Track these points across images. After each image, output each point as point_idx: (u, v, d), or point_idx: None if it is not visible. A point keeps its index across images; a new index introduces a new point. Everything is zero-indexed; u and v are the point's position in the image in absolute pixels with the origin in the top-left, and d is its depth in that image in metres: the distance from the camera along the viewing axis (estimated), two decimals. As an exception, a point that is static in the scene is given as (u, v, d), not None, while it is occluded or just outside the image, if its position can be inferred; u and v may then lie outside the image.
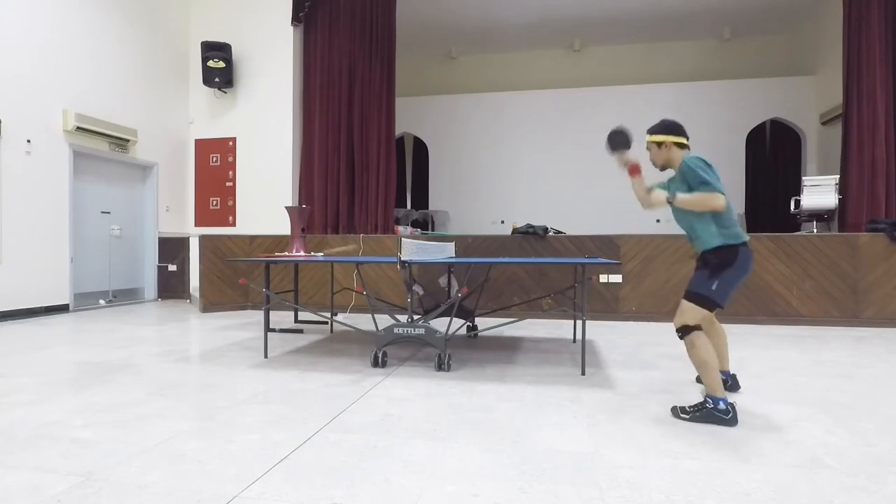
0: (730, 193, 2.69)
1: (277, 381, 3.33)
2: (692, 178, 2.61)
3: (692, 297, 2.63)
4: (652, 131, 2.86)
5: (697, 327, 2.60)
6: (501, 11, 9.57)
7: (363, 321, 5.43)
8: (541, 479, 1.95)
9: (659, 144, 2.81)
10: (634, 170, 2.97)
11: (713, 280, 2.59)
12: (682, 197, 2.63)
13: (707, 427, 2.50)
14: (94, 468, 2.04)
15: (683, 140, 2.79)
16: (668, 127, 2.81)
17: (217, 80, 7.95)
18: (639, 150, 2.89)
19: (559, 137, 10.50)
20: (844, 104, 6.76)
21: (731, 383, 3.07)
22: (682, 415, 2.61)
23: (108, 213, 7.46)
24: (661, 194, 2.75)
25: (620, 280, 6.06)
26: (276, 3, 8.01)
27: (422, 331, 3.65)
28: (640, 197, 2.95)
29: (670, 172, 2.88)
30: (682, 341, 2.64)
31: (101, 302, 7.27)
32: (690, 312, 2.61)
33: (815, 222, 6.86)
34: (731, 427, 2.49)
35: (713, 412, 2.52)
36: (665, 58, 10.73)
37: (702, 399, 2.62)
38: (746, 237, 2.67)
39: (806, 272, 5.74)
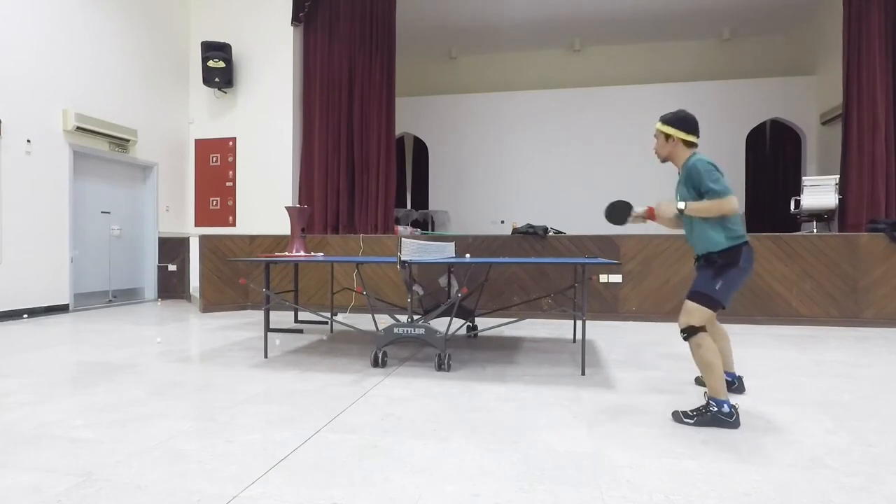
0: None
1: (277, 381, 3.33)
2: (700, 183, 2.54)
3: (697, 297, 2.57)
4: (664, 120, 2.72)
5: (703, 328, 2.53)
6: (501, 11, 9.57)
7: (363, 321, 5.43)
8: (541, 479, 1.95)
9: (667, 136, 2.71)
10: (651, 215, 2.84)
11: (717, 280, 2.54)
12: (695, 205, 2.55)
13: (707, 427, 2.49)
14: (94, 468, 2.04)
15: (693, 139, 2.69)
16: (682, 121, 2.68)
17: (217, 80, 7.95)
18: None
19: (559, 137, 10.50)
20: (844, 104, 6.75)
21: (736, 385, 3.02)
22: (685, 419, 2.52)
23: (108, 213, 7.45)
24: (671, 207, 2.63)
25: (620, 280, 6.06)
26: (276, 3, 8.01)
27: (422, 331, 3.65)
28: (671, 226, 2.90)
29: (670, 167, 2.84)
30: (688, 342, 2.57)
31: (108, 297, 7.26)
32: (696, 313, 2.55)
33: (815, 222, 6.86)
34: (734, 429, 2.48)
35: (717, 415, 2.46)
36: (665, 58, 10.73)
37: (704, 402, 2.56)
38: (746, 236, 2.65)
39: (806, 272, 5.74)
